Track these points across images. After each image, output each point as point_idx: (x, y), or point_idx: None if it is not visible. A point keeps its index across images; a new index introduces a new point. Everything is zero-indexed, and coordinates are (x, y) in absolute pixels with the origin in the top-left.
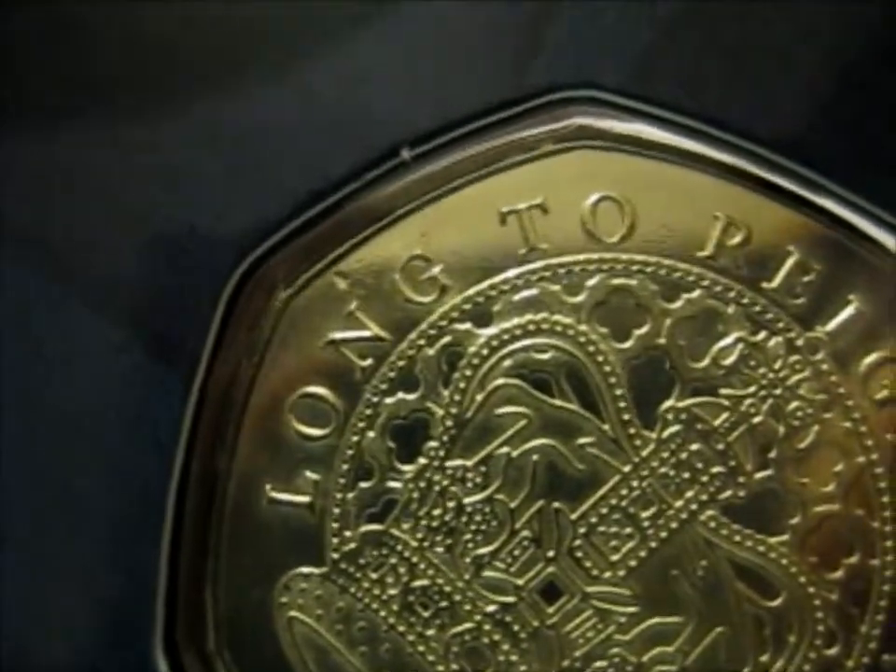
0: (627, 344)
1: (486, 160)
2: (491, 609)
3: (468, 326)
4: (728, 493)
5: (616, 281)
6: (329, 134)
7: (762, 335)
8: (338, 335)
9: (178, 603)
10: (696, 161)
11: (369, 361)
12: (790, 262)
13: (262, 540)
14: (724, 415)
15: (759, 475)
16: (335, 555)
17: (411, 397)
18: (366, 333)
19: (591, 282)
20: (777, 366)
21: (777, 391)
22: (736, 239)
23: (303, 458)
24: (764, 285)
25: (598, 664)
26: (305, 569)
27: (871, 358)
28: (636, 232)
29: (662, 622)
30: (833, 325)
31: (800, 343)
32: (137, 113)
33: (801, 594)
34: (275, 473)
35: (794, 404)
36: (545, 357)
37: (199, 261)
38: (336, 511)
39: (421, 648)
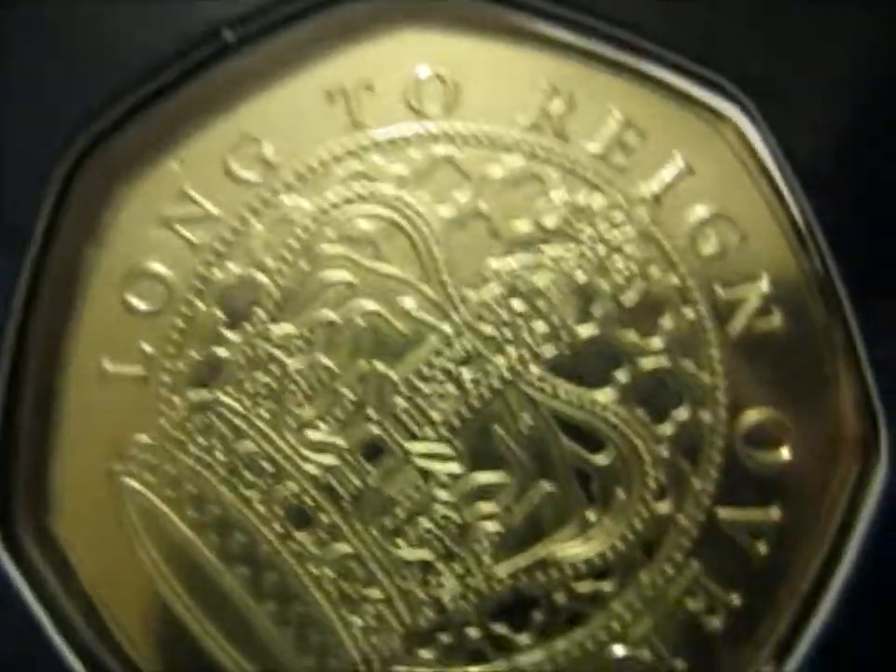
0: (448, 209)
1: (311, 41)
2: (314, 471)
3: (294, 198)
4: (551, 350)
5: (439, 151)
6: (156, 23)
7: (584, 195)
8: (171, 213)
9: (14, 471)
10: (516, 34)
11: (201, 237)
12: (612, 125)
13: (97, 411)
14: (547, 274)
15: (583, 332)
16: (165, 423)
17: (238, 268)
18: (198, 211)
19: (414, 153)
20: (600, 225)
21: (601, 249)
22: (558, 106)
23: (138, 332)
24: (588, 147)
25: (422, 522)
26: (137, 437)
27: (697, 215)
28: (458, 105)
29: (485, 479)
30: (657, 184)
31: (623, 201)
32: None
33: (629, 449)
34: (111, 347)
35: (619, 261)
36: (368, 224)
37: (34, 146)
38: (166, 379)
39: (246, 510)
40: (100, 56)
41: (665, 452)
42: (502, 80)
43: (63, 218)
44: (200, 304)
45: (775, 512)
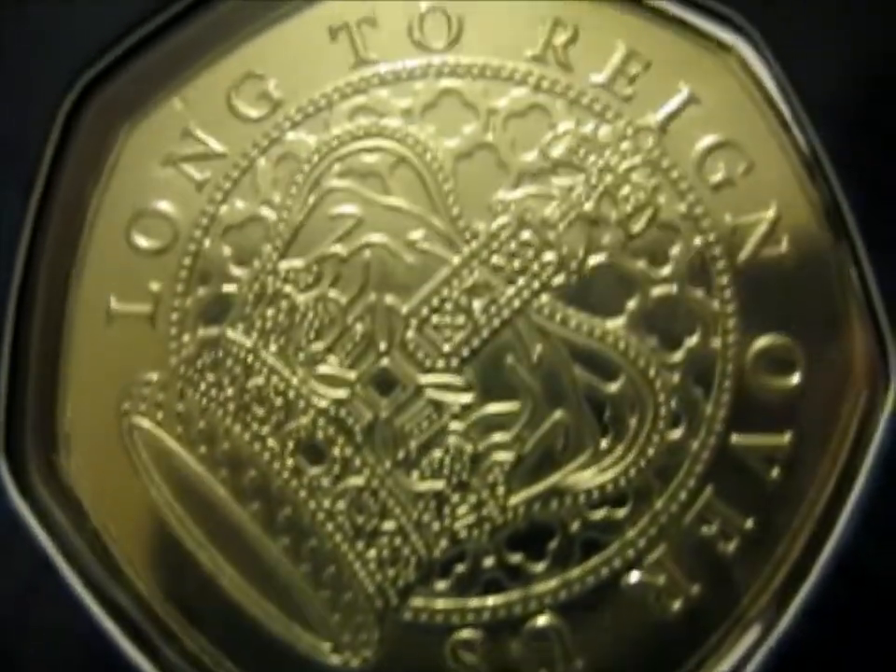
0: (455, 142)
1: None
2: (325, 404)
3: (300, 134)
4: (561, 279)
5: (444, 83)
6: None
7: (591, 126)
8: (175, 151)
9: (24, 411)
10: None
11: (206, 174)
12: (617, 56)
13: (106, 350)
14: (554, 204)
15: (592, 260)
16: (174, 360)
17: (245, 204)
18: (202, 149)
19: (419, 85)
20: (606, 154)
21: (608, 178)
22: (563, 37)
23: (145, 270)
24: (593, 78)
25: (434, 453)
26: (146, 376)
27: (704, 144)
28: (463, 38)
29: (497, 409)
30: (663, 113)
31: (630, 131)
32: None
33: (640, 376)
34: (118, 286)
35: (626, 189)
36: (375, 158)
37: (37, 85)
38: (174, 317)
39: (258, 446)
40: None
41: (676, 379)
42: (505, 13)
43: (67, 158)
44: (206, 241)
45: (786, 438)
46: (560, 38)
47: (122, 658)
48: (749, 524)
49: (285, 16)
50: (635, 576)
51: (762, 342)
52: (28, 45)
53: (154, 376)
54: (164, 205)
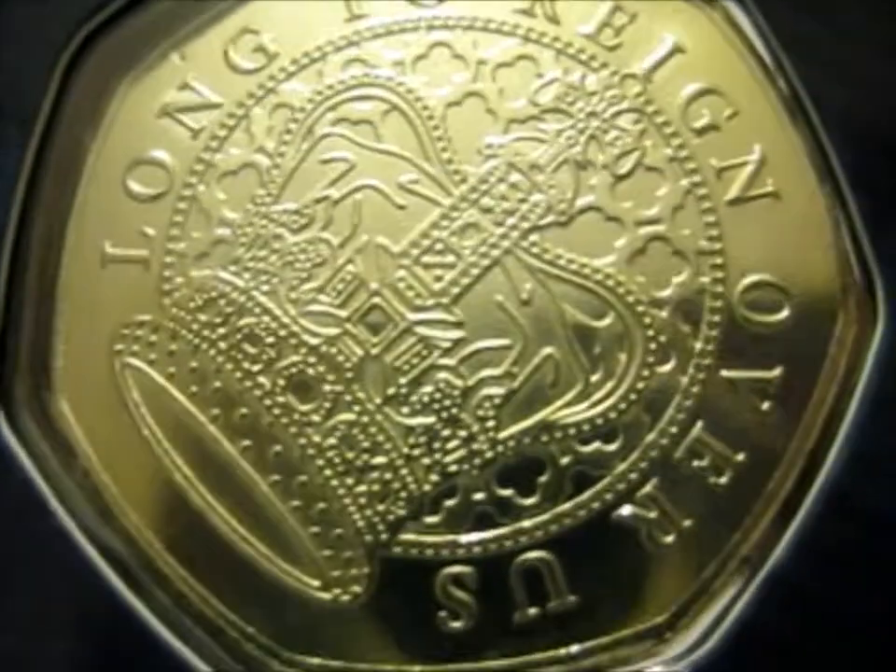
0: (446, 90)
1: None
2: (315, 342)
3: (294, 85)
4: (549, 219)
5: (434, 36)
6: None
7: (578, 74)
8: (172, 102)
9: (18, 349)
10: None
11: (202, 124)
12: (603, 8)
13: (100, 293)
14: (543, 148)
15: (580, 202)
16: (167, 301)
17: (240, 151)
18: (199, 100)
19: (410, 38)
20: (593, 101)
21: (595, 123)
22: None
23: (140, 216)
24: (580, 28)
25: (424, 390)
26: (139, 317)
27: (689, 90)
28: None
29: (487, 345)
30: (648, 61)
31: (616, 79)
32: None
33: (629, 312)
34: (113, 231)
35: (613, 134)
36: (367, 106)
37: (37, 37)
38: (168, 260)
39: (249, 384)
40: None
41: (665, 315)
42: None
43: (65, 107)
44: (201, 187)
45: (776, 372)
46: None
47: (112, 596)
48: (740, 457)
49: None
50: (626, 510)
51: (749, 279)
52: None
53: (147, 317)
54: (160, 154)
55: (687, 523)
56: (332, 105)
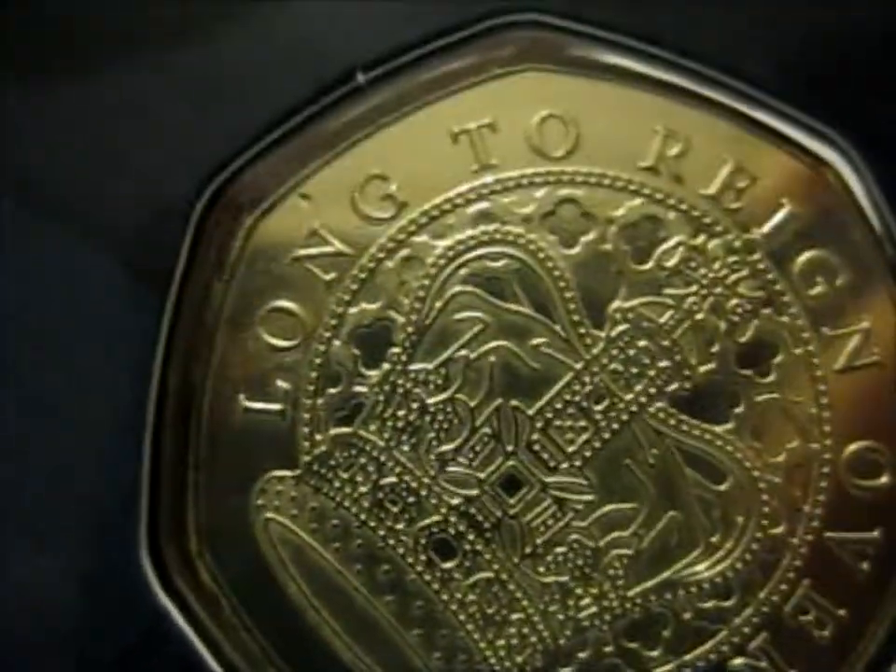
0: (575, 251)
1: (437, 83)
2: (455, 501)
3: (424, 238)
4: (675, 385)
5: (563, 192)
6: (289, 67)
7: (701, 238)
8: (303, 252)
9: (161, 510)
10: (635, 79)
11: (332, 275)
12: (725, 170)
13: (238, 448)
14: (668, 313)
15: (703, 368)
16: (307, 458)
17: (373, 306)
18: (329, 249)
19: (539, 193)
20: (716, 266)
21: (718, 289)
22: (675, 150)
23: (274, 368)
24: (702, 191)
25: (558, 549)
26: (280, 473)
27: (804, 257)
28: (580, 147)
29: (616, 508)
30: (768, 227)
31: (737, 244)
32: (111, 67)
33: (746, 477)
34: (249, 384)
35: (734, 301)
36: (498, 264)
37: (172, 189)
38: (306, 416)
39: (392, 542)
40: (235, 97)
41: (777, 480)
42: (620, 123)
43: (198, 258)
44: (335, 341)
45: (876, 534)
46: (672, 150)
47: None
48: (843, 613)
49: (408, 119)
50: (739, 661)
51: (854, 445)
52: (162, 148)
53: (287, 473)
54: (292, 303)
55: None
56: (464, 261)
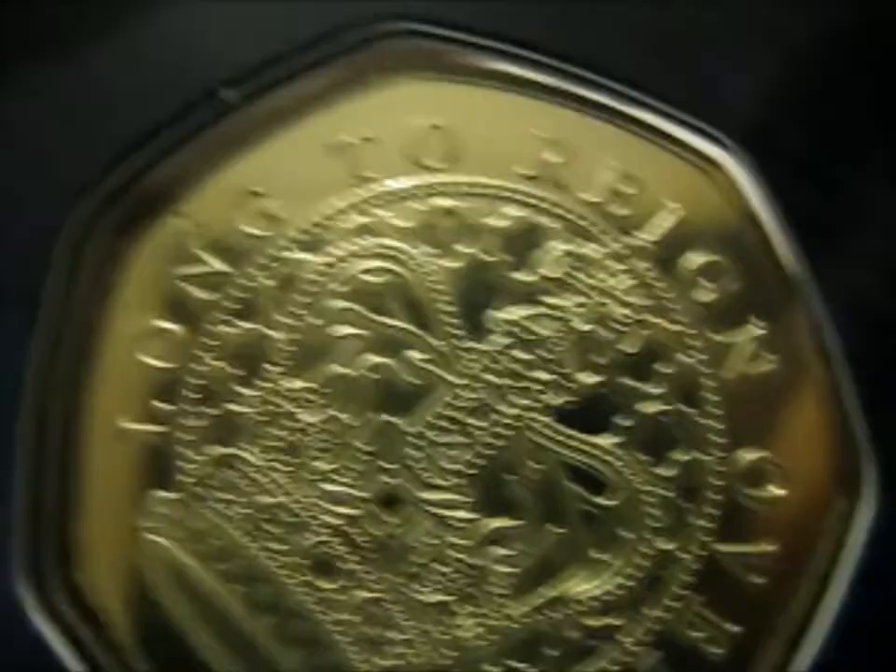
0: (456, 263)
1: (312, 96)
2: (336, 521)
3: (302, 255)
4: (558, 399)
5: (442, 203)
6: (157, 85)
7: (586, 247)
8: (179, 271)
9: (41, 533)
10: (515, 84)
11: (210, 294)
12: (609, 175)
13: (118, 470)
14: (551, 324)
15: (588, 380)
16: (186, 479)
17: (249, 325)
18: (206, 269)
19: (417, 205)
20: (602, 276)
21: (604, 299)
22: (557, 156)
23: (153, 389)
24: (586, 198)
25: (441, 569)
26: (160, 494)
27: (694, 263)
28: (459, 156)
29: (500, 525)
30: (655, 233)
31: (624, 251)
32: None
33: (633, 491)
34: (127, 406)
35: (620, 311)
36: (377, 279)
37: (44, 211)
38: (184, 437)
39: (272, 562)
40: (102, 117)
41: (665, 492)
42: (500, 130)
43: (74, 281)
44: (212, 361)
45: (769, 546)
46: (554, 157)
47: None
48: (735, 628)
49: (281, 134)
50: None
51: (748, 456)
52: (31, 173)
53: (168, 494)
54: (170, 324)
55: None
56: (342, 277)
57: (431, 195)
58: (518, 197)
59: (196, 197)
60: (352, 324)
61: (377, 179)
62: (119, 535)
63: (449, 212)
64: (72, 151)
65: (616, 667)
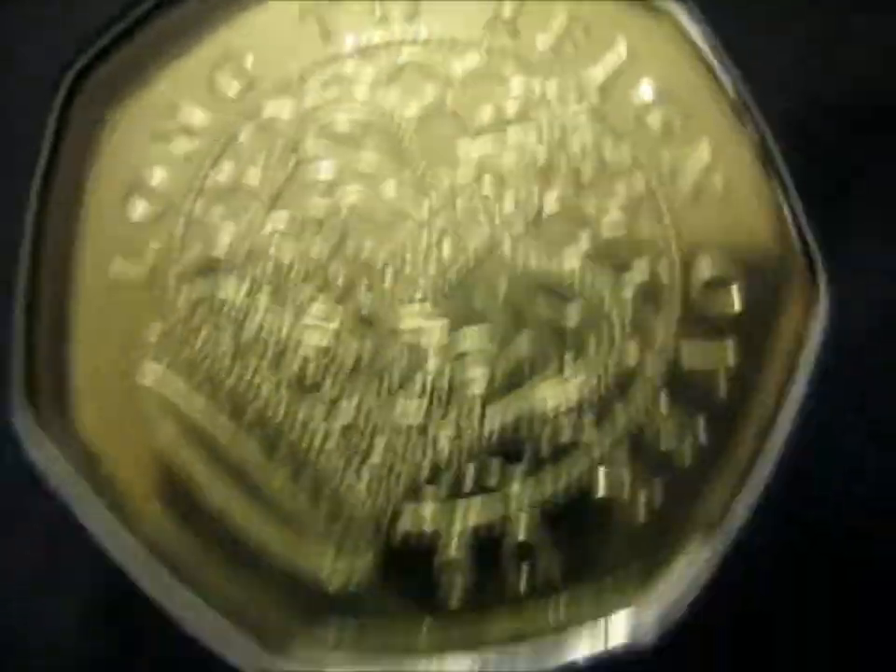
0: (418, 106)
1: None
2: (314, 344)
3: (276, 106)
4: (519, 224)
5: (405, 54)
6: None
7: (539, 84)
8: (163, 128)
9: (40, 373)
10: None
11: (193, 146)
12: (560, 18)
13: (110, 312)
14: (511, 155)
15: (547, 207)
16: (173, 315)
17: (230, 171)
18: (189, 124)
19: (382, 57)
20: (555, 109)
21: (557, 129)
22: (510, 8)
23: (141, 238)
24: (539, 41)
25: (415, 384)
26: (149, 330)
27: (643, 96)
28: (419, 11)
29: (469, 343)
30: (605, 69)
31: (574, 87)
32: None
33: (596, 302)
34: (117, 255)
35: (574, 139)
36: (347, 124)
37: (32, 79)
38: (171, 278)
39: (255, 387)
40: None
41: (628, 304)
42: None
43: (64, 142)
44: (197, 207)
45: (730, 352)
46: (507, 9)
47: (142, 598)
48: (702, 432)
49: (257, 2)
50: (602, 483)
51: (703, 266)
52: (19, 39)
53: (157, 329)
54: (156, 177)
55: (657, 495)
56: (316, 125)
57: (396, 48)
58: (476, 45)
59: (179, 60)
60: (327, 163)
61: (344, 37)
62: (112, 370)
63: (412, 62)
64: (56, 26)
65: (587, 471)
